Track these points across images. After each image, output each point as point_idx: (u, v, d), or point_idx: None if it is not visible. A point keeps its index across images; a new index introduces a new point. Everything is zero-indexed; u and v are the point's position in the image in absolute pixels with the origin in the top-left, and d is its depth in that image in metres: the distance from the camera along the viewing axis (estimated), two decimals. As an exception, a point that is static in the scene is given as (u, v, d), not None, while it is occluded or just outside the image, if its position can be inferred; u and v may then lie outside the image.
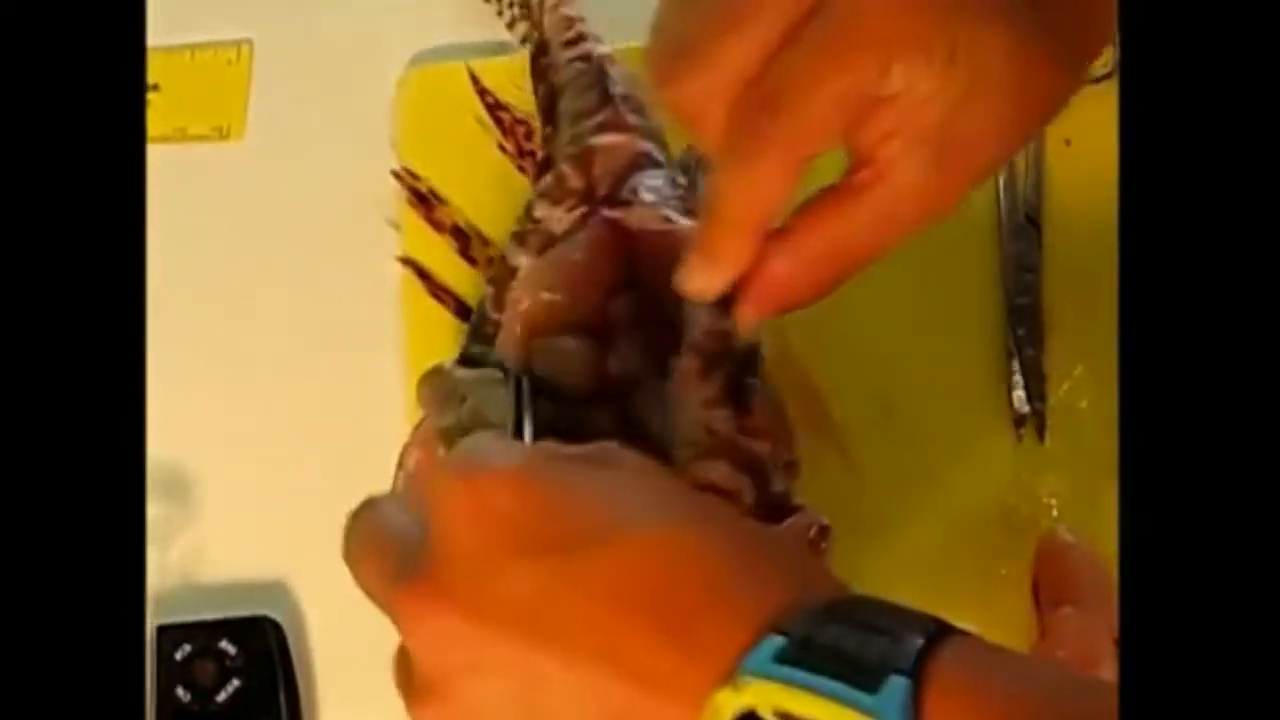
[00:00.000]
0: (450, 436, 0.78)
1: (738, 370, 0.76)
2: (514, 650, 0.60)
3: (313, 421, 0.90)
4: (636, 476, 0.65)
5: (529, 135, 0.93)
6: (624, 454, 0.66)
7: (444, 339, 0.87)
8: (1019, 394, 0.87)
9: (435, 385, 0.80)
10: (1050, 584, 0.81)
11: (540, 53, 0.91)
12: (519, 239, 0.83)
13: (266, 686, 0.82)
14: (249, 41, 1.01)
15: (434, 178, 0.93)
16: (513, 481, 0.62)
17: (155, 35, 0.95)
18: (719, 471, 0.73)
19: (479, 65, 0.96)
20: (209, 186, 0.97)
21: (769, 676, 0.55)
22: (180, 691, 0.82)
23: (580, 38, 0.90)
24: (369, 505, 0.69)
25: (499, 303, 0.81)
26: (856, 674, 0.55)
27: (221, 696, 0.82)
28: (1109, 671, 0.78)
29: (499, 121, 0.94)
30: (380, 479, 0.81)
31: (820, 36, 0.68)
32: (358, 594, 0.81)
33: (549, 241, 0.81)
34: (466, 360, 0.80)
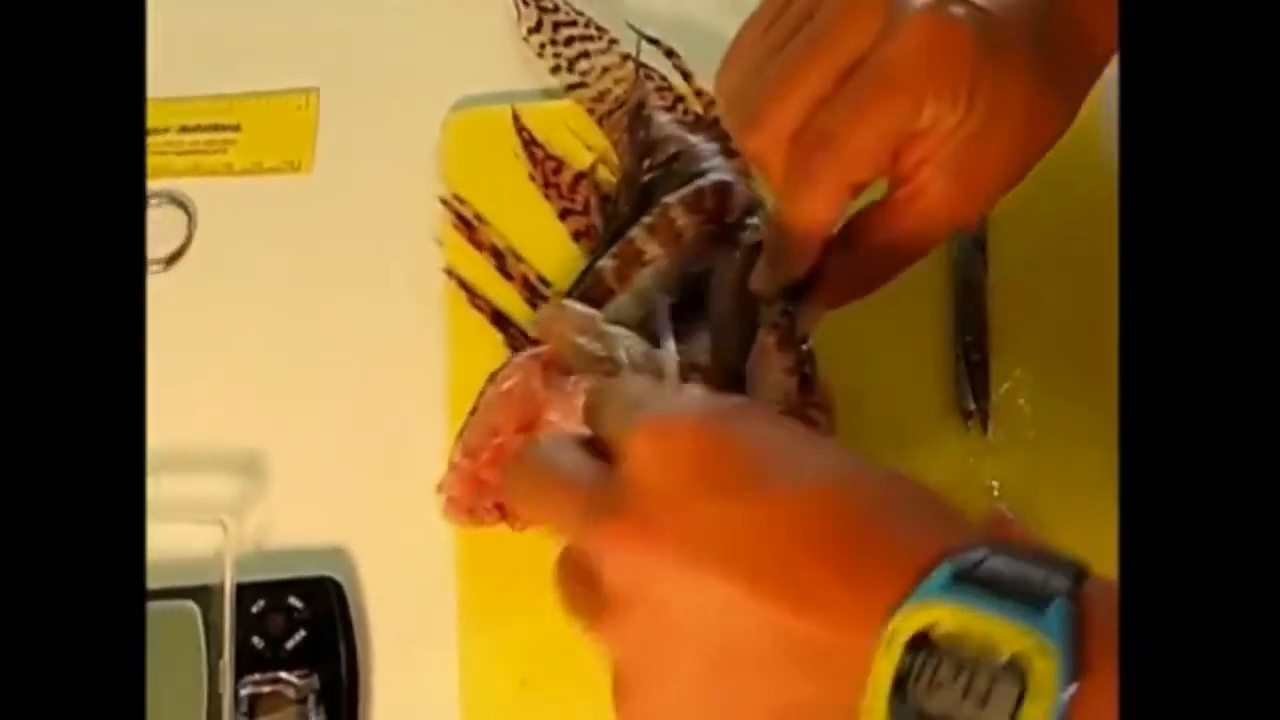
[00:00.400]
0: (589, 361, 0.78)
1: (802, 354, 0.77)
2: (706, 579, 0.59)
3: (369, 410, 0.90)
4: (794, 430, 0.65)
5: (556, 170, 0.94)
6: (772, 410, 0.70)
7: (481, 341, 0.88)
8: (966, 393, 0.87)
9: (563, 317, 0.80)
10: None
11: (638, 108, 0.93)
12: (649, 229, 0.84)
13: (328, 636, 0.83)
14: (316, 89, 1.00)
15: (475, 204, 0.94)
16: (699, 429, 0.62)
17: (237, 84, 1.01)
18: None
19: (520, 107, 0.96)
20: (283, 211, 0.96)
21: (942, 600, 0.55)
22: (255, 640, 0.82)
23: (675, 101, 0.94)
24: (538, 447, 0.69)
25: (621, 277, 0.83)
26: (1023, 597, 0.54)
27: (290, 644, 0.83)
28: None
29: (532, 156, 0.94)
30: (425, 460, 0.84)
31: (862, 86, 0.71)
32: (406, 557, 0.86)
33: (676, 237, 0.83)
34: None
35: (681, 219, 0.83)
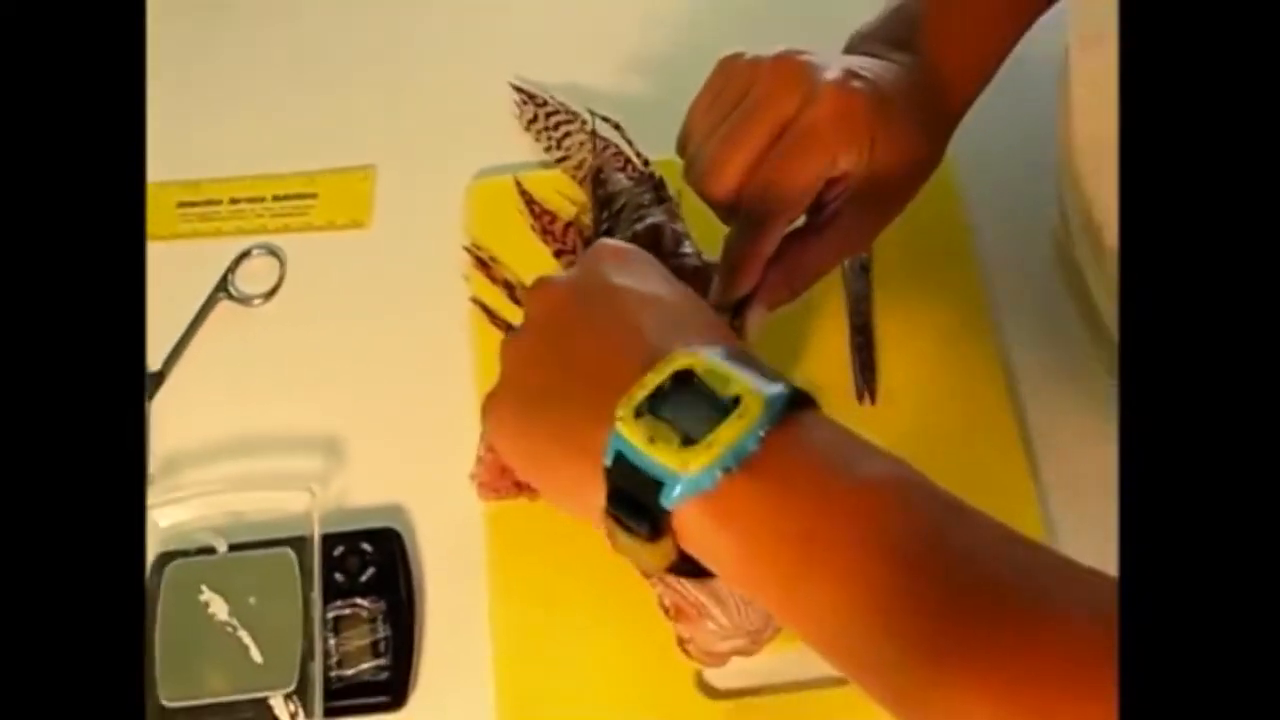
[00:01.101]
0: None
1: None
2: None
3: (418, 404, 0.90)
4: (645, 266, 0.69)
5: (550, 221, 0.94)
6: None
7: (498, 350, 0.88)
8: (859, 373, 0.88)
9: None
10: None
11: (597, 172, 0.93)
12: None
13: (391, 572, 0.84)
14: (373, 165, 1.01)
15: (490, 248, 0.94)
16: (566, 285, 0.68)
17: (315, 163, 1.01)
18: None
19: (523, 175, 0.97)
20: (350, 257, 0.98)
21: (710, 356, 0.59)
22: (337, 576, 0.84)
23: (626, 162, 0.93)
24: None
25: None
26: (761, 376, 0.58)
27: (363, 578, 0.84)
28: None
29: (532, 211, 0.95)
30: (460, 441, 0.84)
31: (793, 145, 0.73)
32: (448, 512, 0.86)
33: None
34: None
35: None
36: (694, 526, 0.58)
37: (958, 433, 0.86)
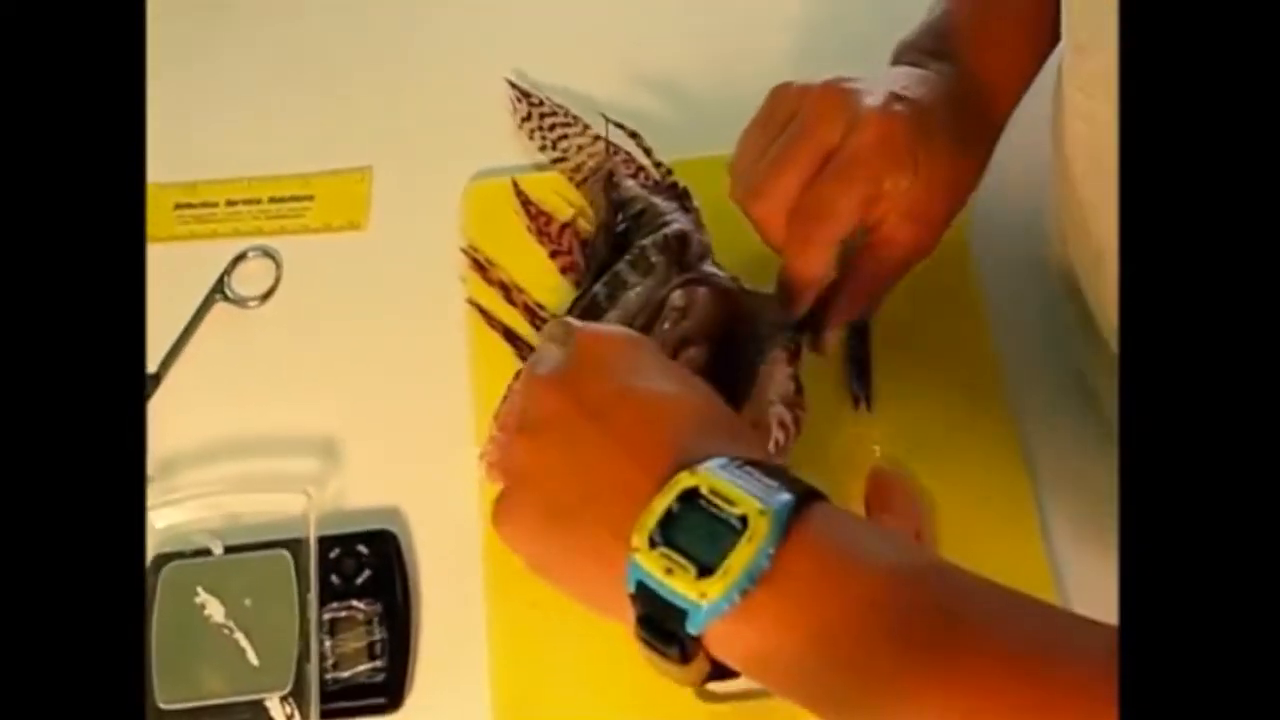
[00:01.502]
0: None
1: (798, 368, 0.78)
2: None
3: (414, 406, 0.90)
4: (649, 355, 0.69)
5: (547, 223, 0.94)
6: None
7: (496, 353, 0.89)
8: (855, 383, 0.89)
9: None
10: (875, 499, 0.84)
11: (610, 175, 0.93)
12: (631, 264, 0.84)
13: (387, 574, 0.84)
14: (369, 167, 1.01)
15: (487, 250, 0.94)
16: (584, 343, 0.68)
17: (312, 164, 1.01)
18: (788, 416, 0.76)
19: (519, 177, 0.97)
20: (347, 259, 0.97)
21: (713, 472, 0.59)
22: (333, 578, 0.84)
23: (637, 169, 0.94)
24: None
25: (611, 299, 0.83)
26: (765, 487, 0.59)
27: (359, 580, 0.84)
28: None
29: (528, 213, 0.95)
30: (456, 443, 0.86)
31: (840, 169, 0.76)
32: (443, 515, 0.86)
33: (649, 269, 0.83)
34: None
35: (654, 256, 0.84)
36: (720, 640, 0.59)
37: (943, 433, 0.87)
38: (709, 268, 0.84)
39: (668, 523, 0.60)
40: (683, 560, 0.58)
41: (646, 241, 0.85)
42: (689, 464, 0.60)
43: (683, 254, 0.84)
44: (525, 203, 0.96)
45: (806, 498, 0.60)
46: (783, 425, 0.76)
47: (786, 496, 0.59)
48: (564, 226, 0.94)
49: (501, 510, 0.68)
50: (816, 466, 0.81)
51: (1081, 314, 0.82)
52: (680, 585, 0.58)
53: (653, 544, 0.59)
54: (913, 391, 0.88)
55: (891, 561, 0.59)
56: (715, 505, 0.59)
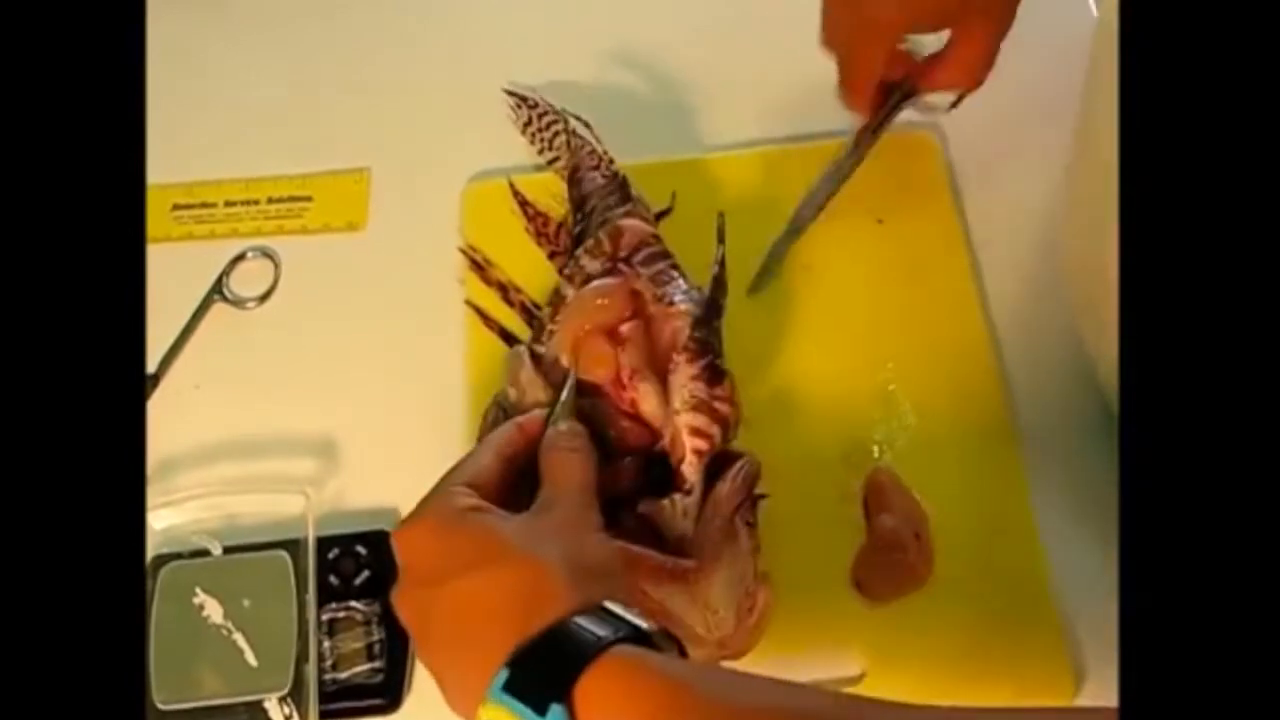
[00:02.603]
0: (507, 407, 0.79)
1: (712, 359, 0.77)
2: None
3: (411, 405, 0.90)
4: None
5: (545, 223, 0.94)
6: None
7: (493, 353, 0.88)
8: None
9: (509, 364, 0.80)
10: (874, 501, 0.84)
11: (574, 171, 0.93)
12: (568, 278, 0.85)
13: (385, 575, 0.83)
14: (368, 168, 1.01)
15: (485, 251, 0.94)
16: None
17: (310, 165, 1.01)
18: (700, 420, 0.75)
19: (517, 178, 0.97)
20: (345, 260, 0.98)
21: (494, 700, 0.58)
22: (332, 578, 0.84)
23: (600, 161, 0.93)
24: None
25: (554, 317, 0.83)
26: (535, 700, 0.57)
27: (357, 581, 0.84)
28: (912, 555, 0.81)
29: (525, 213, 0.95)
30: (453, 447, 0.85)
31: None
32: None
33: (586, 280, 0.83)
34: (533, 354, 0.80)
35: (588, 263, 0.84)
36: None
37: (949, 434, 0.87)
38: (644, 259, 0.83)
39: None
40: None
41: (580, 249, 0.86)
42: (492, 675, 0.59)
43: (616, 250, 0.84)
44: (523, 203, 0.96)
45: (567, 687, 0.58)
46: (697, 432, 0.75)
47: (556, 708, 0.57)
48: (560, 226, 0.94)
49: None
50: (814, 468, 0.85)
51: (1085, 309, 0.82)
52: None
53: None
54: (911, 393, 0.88)
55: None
56: None
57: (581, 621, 0.60)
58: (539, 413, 0.75)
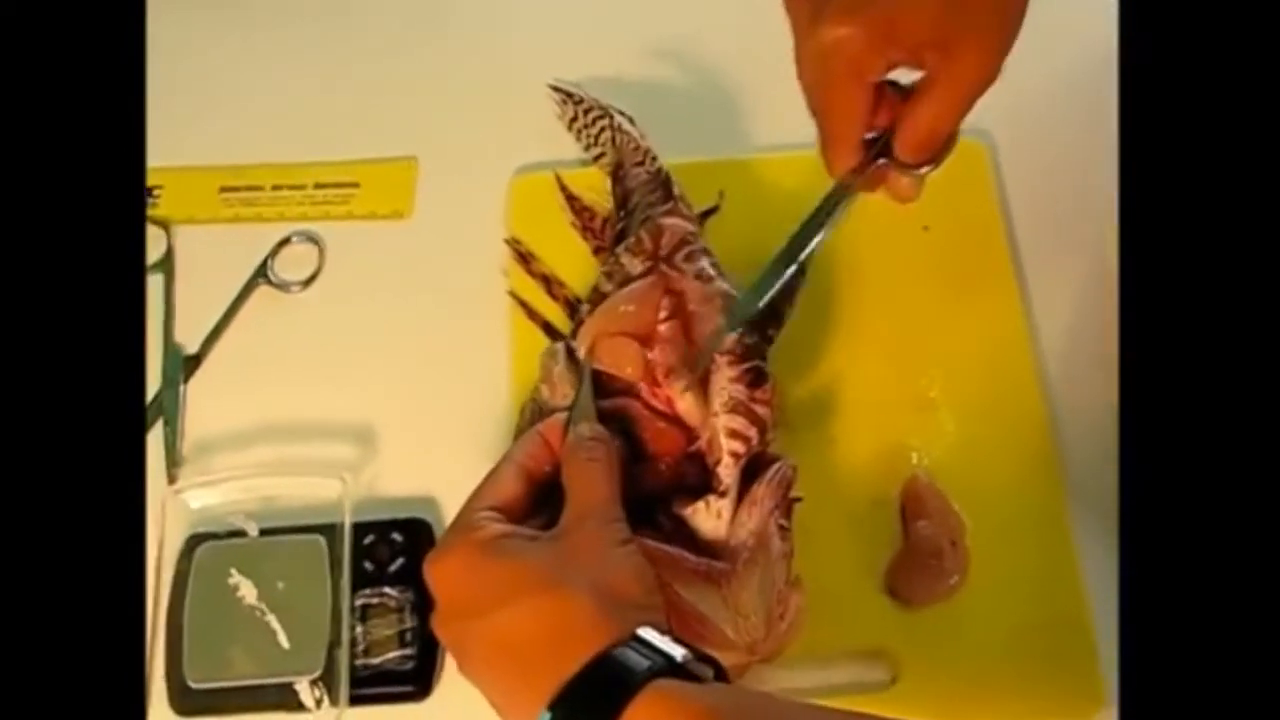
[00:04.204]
0: (541, 404, 0.80)
1: (756, 363, 0.77)
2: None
3: (452, 395, 0.90)
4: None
5: (591, 218, 0.94)
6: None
7: (536, 345, 0.86)
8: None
9: (544, 361, 0.81)
10: (911, 507, 0.84)
11: (618, 167, 0.93)
12: (608, 275, 0.85)
13: (420, 561, 0.75)
14: (415, 157, 1.01)
15: (529, 243, 0.95)
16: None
17: (358, 152, 1.01)
18: (739, 422, 0.75)
19: (564, 172, 0.97)
20: (390, 248, 0.98)
21: None
22: (366, 564, 0.84)
23: (644, 157, 0.93)
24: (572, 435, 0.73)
25: (594, 306, 0.83)
26: None
27: (392, 568, 0.84)
28: (948, 562, 0.81)
29: (571, 207, 0.95)
30: (491, 439, 0.86)
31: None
32: None
33: (626, 279, 0.83)
34: (569, 350, 0.81)
35: (628, 260, 0.84)
36: None
37: (991, 442, 0.87)
38: (701, 266, 0.83)
39: None
40: None
41: (621, 247, 0.86)
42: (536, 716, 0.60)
43: (656, 249, 0.84)
44: (569, 197, 0.96)
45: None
46: (734, 434, 0.75)
47: None
48: (605, 221, 0.94)
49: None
50: (851, 472, 0.85)
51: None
52: None
53: None
54: (952, 400, 0.88)
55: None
56: None
57: (617, 656, 0.60)
58: (560, 417, 0.75)
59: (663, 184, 0.90)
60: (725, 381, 0.77)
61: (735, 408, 0.76)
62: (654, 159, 0.93)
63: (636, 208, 0.90)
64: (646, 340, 0.79)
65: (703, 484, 0.76)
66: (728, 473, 0.75)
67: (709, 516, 0.74)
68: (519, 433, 0.79)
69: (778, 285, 0.77)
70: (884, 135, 0.74)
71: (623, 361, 0.79)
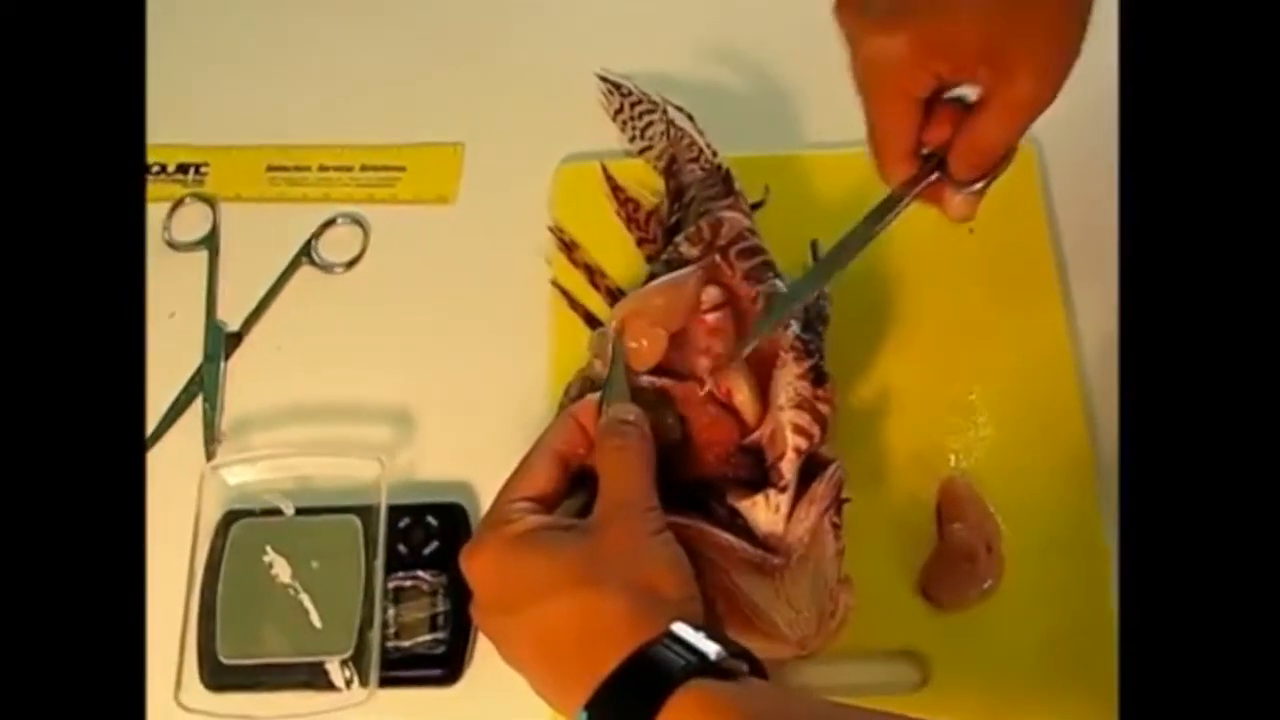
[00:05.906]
0: (593, 378, 0.80)
1: (818, 360, 0.77)
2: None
3: (492, 381, 0.91)
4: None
5: (635, 209, 0.94)
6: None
7: (577, 335, 0.88)
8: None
9: (596, 340, 0.81)
10: (948, 509, 0.84)
11: (671, 162, 0.94)
12: (666, 263, 0.84)
13: (454, 545, 0.80)
14: (462, 143, 1.01)
15: (573, 232, 0.95)
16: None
17: (405, 136, 1.02)
18: (804, 418, 0.75)
19: (610, 162, 0.97)
20: (434, 232, 0.98)
21: None
22: (401, 547, 0.85)
23: (700, 153, 0.93)
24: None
25: None
26: None
27: (426, 551, 0.85)
28: (982, 566, 0.81)
29: (616, 198, 0.95)
30: (529, 426, 0.83)
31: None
32: None
33: (683, 265, 0.83)
34: None
35: (687, 249, 0.84)
36: None
37: (1029, 446, 0.87)
38: (754, 260, 0.83)
39: None
40: None
41: (680, 237, 0.86)
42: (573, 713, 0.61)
43: (714, 241, 0.84)
44: (615, 188, 0.96)
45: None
46: (799, 430, 0.75)
47: None
48: (650, 213, 0.94)
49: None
50: (888, 472, 0.85)
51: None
52: None
53: None
54: (992, 403, 0.88)
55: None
56: None
57: (652, 655, 0.60)
58: (592, 398, 0.75)
59: (723, 179, 0.90)
60: (791, 378, 0.76)
61: (801, 404, 0.75)
62: (714, 154, 0.93)
63: (693, 201, 0.90)
64: (704, 324, 0.79)
65: (756, 477, 0.75)
66: (790, 468, 0.74)
67: (767, 510, 0.73)
68: (562, 408, 0.79)
69: (822, 288, 0.78)
70: (940, 150, 0.74)
71: (643, 346, 0.78)
